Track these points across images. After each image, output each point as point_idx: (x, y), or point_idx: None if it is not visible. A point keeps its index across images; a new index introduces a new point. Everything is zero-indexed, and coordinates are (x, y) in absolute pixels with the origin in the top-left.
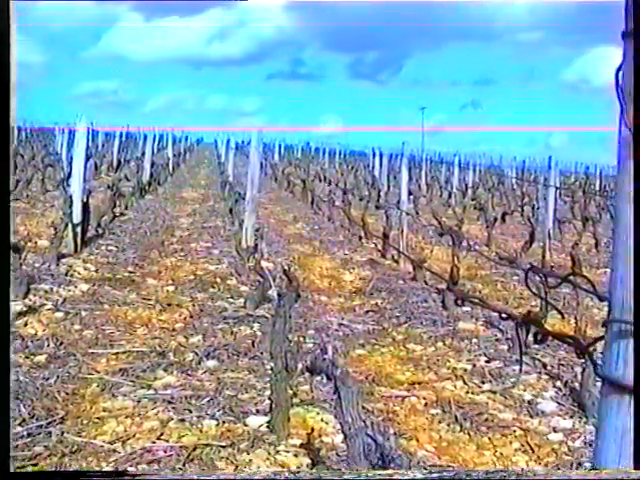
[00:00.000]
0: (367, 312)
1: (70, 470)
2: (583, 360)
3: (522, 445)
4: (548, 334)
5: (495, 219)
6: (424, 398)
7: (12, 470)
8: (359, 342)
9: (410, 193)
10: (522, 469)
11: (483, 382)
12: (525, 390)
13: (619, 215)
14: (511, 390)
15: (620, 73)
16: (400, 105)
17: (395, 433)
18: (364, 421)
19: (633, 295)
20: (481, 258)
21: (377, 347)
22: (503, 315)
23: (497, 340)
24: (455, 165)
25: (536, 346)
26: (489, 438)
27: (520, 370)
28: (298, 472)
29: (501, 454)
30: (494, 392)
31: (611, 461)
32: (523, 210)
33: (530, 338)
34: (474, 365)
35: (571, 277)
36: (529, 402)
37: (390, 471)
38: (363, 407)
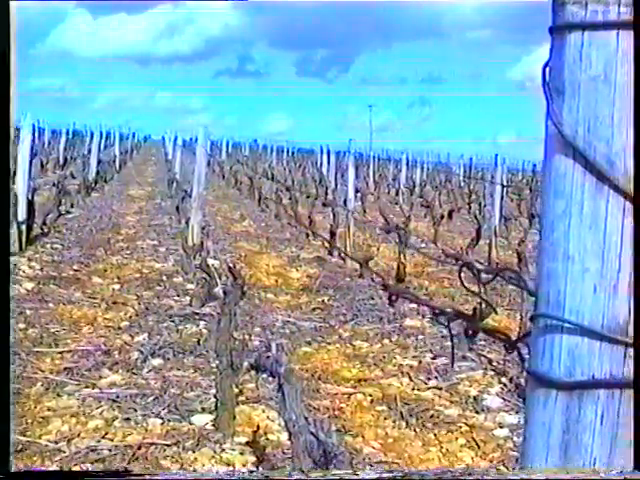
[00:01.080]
0: (314, 309)
1: (70, 470)
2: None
3: (468, 441)
4: (479, 330)
5: (442, 216)
6: (370, 395)
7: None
8: (306, 339)
9: (357, 191)
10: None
11: (429, 378)
12: (471, 386)
13: (545, 210)
14: (457, 386)
15: (547, 69)
16: (348, 103)
17: (340, 430)
18: (307, 418)
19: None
20: (428, 255)
21: (324, 344)
22: (436, 311)
23: (443, 337)
24: (403, 163)
25: (482, 342)
26: (435, 434)
27: (452, 365)
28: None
29: (447, 450)
30: (440, 388)
31: (538, 456)
32: (470, 207)
33: (479, 335)
34: (420, 362)
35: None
36: (475, 398)
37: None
38: (309, 404)
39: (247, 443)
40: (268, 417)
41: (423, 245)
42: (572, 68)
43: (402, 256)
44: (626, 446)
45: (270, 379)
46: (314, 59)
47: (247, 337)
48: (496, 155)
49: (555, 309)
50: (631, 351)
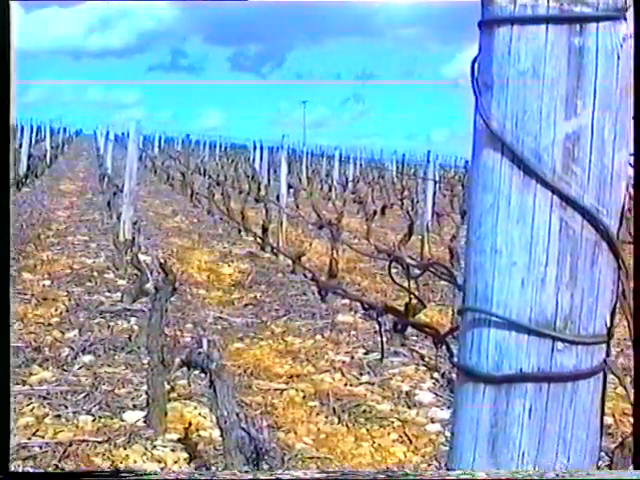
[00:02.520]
0: (246, 305)
1: (70, 471)
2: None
3: (400, 436)
4: (408, 324)
5: (375, 212)
6: (302, 391)
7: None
8: (238, 335)
9: (290, 186)
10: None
11: (361, 374)
12: (403, 381)
13: (472, 204)
14: (389, 381)
15: (476, 64)
16: (282, 98)
17: (272, 426)
18: (238, 415)
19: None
20: (361, 251)
21: (256, 340)
22: (366, 306)
23: (375, 332)
24: (336, 158)
25: (414, 338)
26: (367, 429)
27: (381, 358)
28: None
29: (379, 445)
30: (372, 384)
31: (467, 450)
32: (403, 203)
33: (411, 330)
34: (352, 357)
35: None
36: (407, 393)
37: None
38: (242, 400)
39: (179, 440)
40: (200, 414)
41: (356, 241)
42: (501, 62)
43: (334, 252)
44: (554, 440)
45: (202, 375)
46: (248, 54)
47: (179, 333)
48: (429, 151)
49: (483, 303)
50: (559, 344)
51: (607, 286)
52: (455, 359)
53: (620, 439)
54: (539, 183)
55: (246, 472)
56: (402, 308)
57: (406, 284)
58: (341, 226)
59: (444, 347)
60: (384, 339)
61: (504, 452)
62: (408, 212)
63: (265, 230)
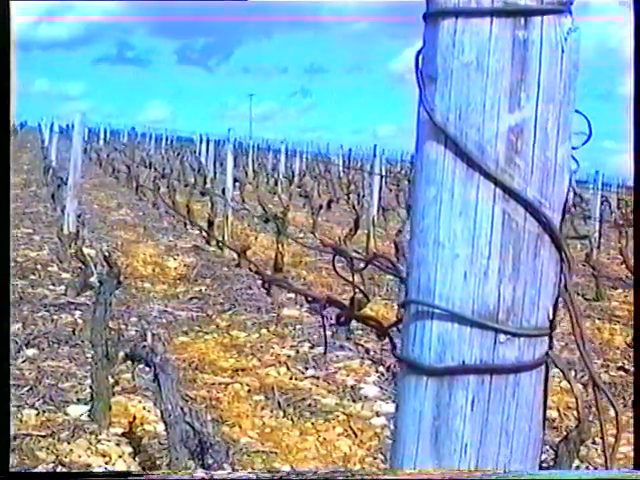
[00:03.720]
0: (191, 299)
1: (69, 471)
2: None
3: (345, 430)
4: (352, 317)
5: (321, 206)
6: (247, 385)
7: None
8: (182, 329)
9: (236, 180)
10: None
11: (306, 368)
12: (348, 375)
13: (416, 196)
14: (334, 375)
15: (420, 57)
16: (229, 92)
17: (217, 420)
18: (182, 408)
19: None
20: (306, 245)
21: (201, 334)
22: (310, 299)
23: (320, 326)
24: (282, 152)
25: (360, 332)
26: (312, 423)
27: (325, 351)
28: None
29: (324, 439)
30: (317, 377)
31: (410, 443)
32: (349, 198)
33: (357, 324)
34: (298, 351)
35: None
36: (352, 387)
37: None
38: (186, 394)
39: (123, 434)
40: (144, 407)
41: (301, 235)
42: (445, 55)
43: (280, 246)
44: (496, 432)
45: (146, 369)
46: (195, 47)
47: (123, 327)
48: (375, 146)
49: (425, 295)
50: (501, 337)
51: (549, 279)
52: (398, 352)
53: (565, 433)
54: (482, 176)
55: (247, 472)
56: (347, 302)
57: (352, 278)
58: (287, 220)
59: (387, 340)
60: (328, 333)
61: (447, 444)
62: (354, 206)
63: (210, 224)
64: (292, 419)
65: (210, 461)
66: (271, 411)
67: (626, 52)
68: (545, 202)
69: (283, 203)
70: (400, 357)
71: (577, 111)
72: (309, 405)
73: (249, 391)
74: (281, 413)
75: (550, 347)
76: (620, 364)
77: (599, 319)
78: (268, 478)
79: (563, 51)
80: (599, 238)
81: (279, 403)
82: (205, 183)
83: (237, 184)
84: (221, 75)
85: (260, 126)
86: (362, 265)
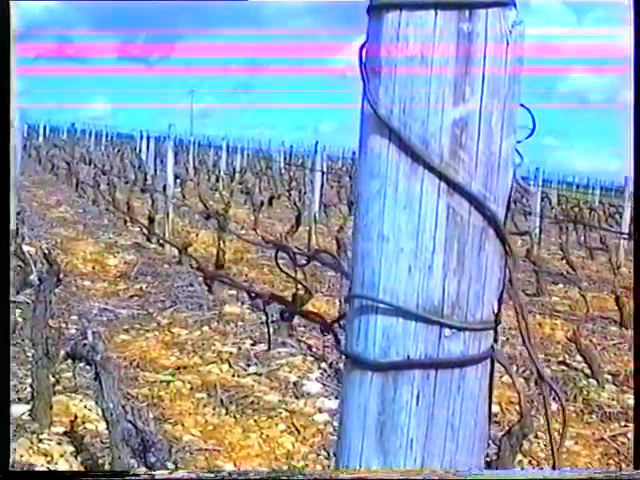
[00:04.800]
0: (132, 297)
1: (70, 470)
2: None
3: (288, 427)
4: (295, 313)
5: (262, 203)
6: (189, 382)
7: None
8: (123, 327)
9: (177, 177)
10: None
11: (249, 365)
12: (291, 372)
13: (360, 190)
14: (277, 372)
15: (364, 51)
16: (170, 88)
17: (159, 418)
18: (124, 407)
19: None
20: (248, 241)
21: (142, 332)
22: (252, 295)
23: (262, 323)
24: (223, 149)
25: (302, 329)
26: (255, 420)
27: (268, 348)
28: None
29: (267, 436)
30: (260, 374)
31: (355, 438)
32: (290, 194)
33: (300, 321)
34: (240, 348)
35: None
36: (295, 384)
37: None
38: (128, 393)
39: (65, 433)
40: (86, 406)
41: (243, 232)
42: (389, 48)
43: (221, 242)
44: (442, 427)
45: (87, 368)
46: (136, 42)
47: (63, 325)
48: (316, 142)
49: (370, 290)
50: (446, 331)
51: (494, 273)
52: (342, 347)
53: (507, 427)
54: (426, 169)
55: (249, 472)
56: (290, 298)
57: (298, 275)
58: (228, 217)
59: (331, 335)
60: (271, 329)
61: (392, 440)
62: (295, 203)
63: (151, 220)
64: (235, 416)
65: (152, 459)
66: (213, 409)
67: (568, 49)
68: (490, 196)
69: (224, 200)
70: (344, 352)
71: (522, 105)
72: (251, 402)
73: (191, 389)
74: (223, 411)
75: (495, 341)
76: (561, 358)
77: (540, 314)
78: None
79: (508, 44)
80: (540, 234)
81: (221, 400)
82: (146, 180)
83: (178, 181)
84: (162, 71)
85: (201, 122)
86: (304, 261)
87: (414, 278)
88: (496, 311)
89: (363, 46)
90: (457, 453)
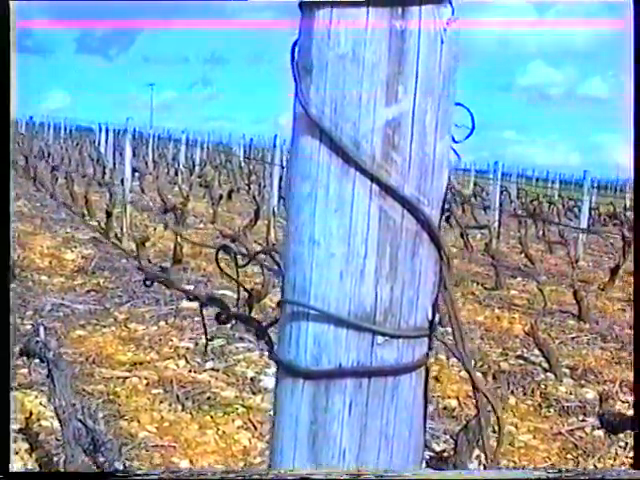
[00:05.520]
0: (89, 292)
1: (70, 471)
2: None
3: (245, 422)
4: (232, 315)
5: (221, 196)
6: (146, 378)
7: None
8: (80, 322)
9: (136, 170)
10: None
11: (206, 360)
12: (248, 367)
13: (291, 193)
14: (234, 368)
15: (296, 48)
16: (130, 81)
17: (115, 415)
18: (74, 405)
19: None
20: (207, 236)
21: (98, 327)
22: (190, 297)
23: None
24: (183, 142)
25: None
26: (211, 416)
27: (205, 351)
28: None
29: (224, 432)
30: (217, 370)
31: (287, 448)
32: (250, 188)
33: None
34: (197, 344)
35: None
36: (252, 379)
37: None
38: (84, 389)
39: (20, 430)
40: (41, 403)
41: (201, 225)
42: (320, 46)
43: (179, 237)
44: (376, 437)
45: (42, 364)
46: (95, 36)
47: (19, 321)
48: (275, 136)
49: (301, 295)
50: (379, 338)
51: (428, 278)
52: (274, 353)
53: (464, 422)
54: (358, 171)
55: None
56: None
57: (236, 274)
58: (186, 210)
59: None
60: (228, 325)
61: (324, 450)
62: (254, 197)
63: (109, 215)
64: (191, 413)
65: (102, 459)
66: (169, 405)
67: (527, 45)
68: (423, 199)
69: (183, 193)
70: (276, 359)
71: (459, 104)
72: (208, 398)
73: (147, 384)
74: (180, 407)
75: (430, 348)
76: (519, 352)
77: (499, 308)
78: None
79: (442, 42)
80: (498, 228)
81: (177, 396)
82: (104, 174)
83: (137, 174)
84: (121, 64)
85: (161, 116)
86: (245, 261)
87: (346, 284)
88: (431, 318)
89: (295, 43)
90: (391, 463)
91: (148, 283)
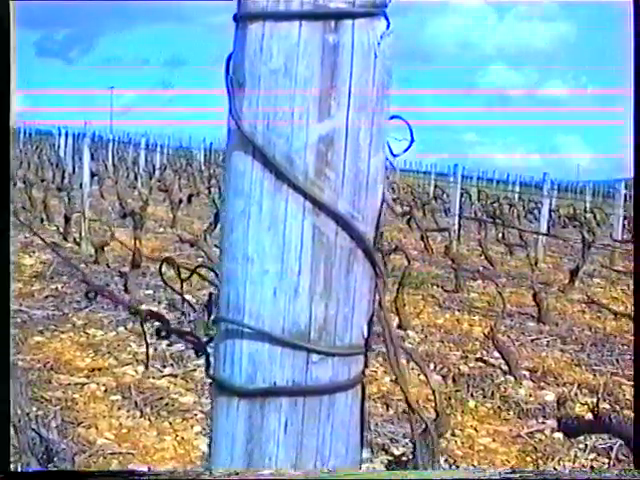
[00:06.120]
0: (47, 297)
1: (70, 470)
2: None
3: (204, 428)
4: (172, 331)
5: (180, 200)
6: (104, 384)
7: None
8: (38, 328)
9: (95, 174)
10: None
11: (164, 366)
12: None
13: (226, 209)
14: (193, 373)
15: (231, 62)
16: (90, 84)
17: (72, 422)
18: (28, 414)
19: None
20: (166, 240)
21: (57, 333)
22: (132, 310)
23: (179, 323)
24: (142, 145)
25: None
26: (170, 423)
27: (146, 367)
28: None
29: (182, 438)
30: (175, 376)
31: (223, 465)
32: (210, 192)
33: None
34: (155, 349)
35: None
36: (211, 385)
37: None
38: (41, 396)
39: None
40: None
41: (161, 230)
42: (253, 60)
43: (137, 241)
44: (312, 455)
45: None
46: (55, 39)
47: None
48: None
49: (235, 313)
50: (313, 356)
51: (363, 295)
52: (209, 371)
53: (423, 426)
54: (291, 188)
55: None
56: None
57: (180, 287)
58: (145, 215)
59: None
60: (187, 329)
61: (260, 468)
62: (214, 201)
63: (68, 219)
64: (149, 419)
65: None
66: (128, 411)
67: (485, 47)
68: (357, 215)
69: (142, 197)
70: (211, 377)
71: (398, 117)
72: (167, 404)
73: (105, 391)
74: (138, 413)
75: (366, 366)
76: (479, 355)
77: (458, 310)
78: None
79: (376, 56)
80: (459, 230)
81: (136, 403)
82: (63, 178)
83: (96, 178)
84: (82, 67)
85: (121, 119)
86: (187, 275)
87: (279, 301)
88: (366, 335)
89: (230, 57)
90: None
91: (91, 296)
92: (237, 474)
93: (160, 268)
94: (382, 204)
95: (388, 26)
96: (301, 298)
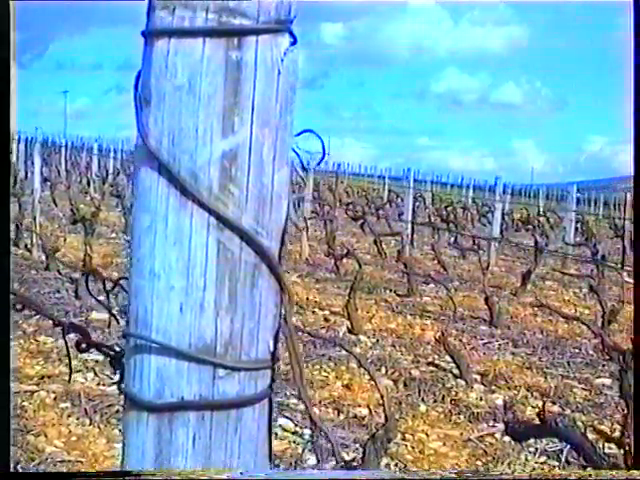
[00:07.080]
0: None
1: (69, 472)
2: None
3: None
4: (93, 343)
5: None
6: (54, 392)
7: None
8: None
9: (47, 180)
10: None
11: (115, 373)
12: None
13: (133, 224)
14: None
15: (140, 78)
16: (43, 89)
17: (22, 430)
18: None
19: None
20: (118, 246)
21: None
22: (55, 322)
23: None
24: (95, 151)
25: None
26: (120, 430)
27: (69, 378)
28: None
29: None
30: None
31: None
32: None
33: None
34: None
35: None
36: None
37: None
38: None
39: None
40: None
41: (114, 235)
42: (158, 77)
43: (88, 247)
44: (219, 468)
45: None
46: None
47: None
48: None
49: (143, 328)
50: (220, 371)
51: (269, 310)
52: (119, 386)
53: (374, 430)
54: (196, 204)
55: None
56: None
57: (106, 300)
58: (97, 220)
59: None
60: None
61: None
62: None
63: (19, 225)
64: (99, 426)
65: None
66: (77, 419)
67: (439, 51)
68: (262, 230)
69: (95, 203)
70: (122, 391)
71: (310, 130)
72: (117, 411)
73: (55, 398)
74: (87, 420)
75: (273, 380)
76: (430, 359)
77: (411, 315)
78: None
79: (279, 72)
80: (412, 234)
81: (86, 410)
82: (15, 183)
83: (48, 184)
84: (35, 72)
85: (75, 124)
86: (110, 286)
87: (186, 316)
88: (272, 349)
89: (139, 73)
90: None
91: (19, 307)
92: (241, 474)
93: (86, 280)
94: (287, 219)
95: (294, 42)
96: (207, 313)
